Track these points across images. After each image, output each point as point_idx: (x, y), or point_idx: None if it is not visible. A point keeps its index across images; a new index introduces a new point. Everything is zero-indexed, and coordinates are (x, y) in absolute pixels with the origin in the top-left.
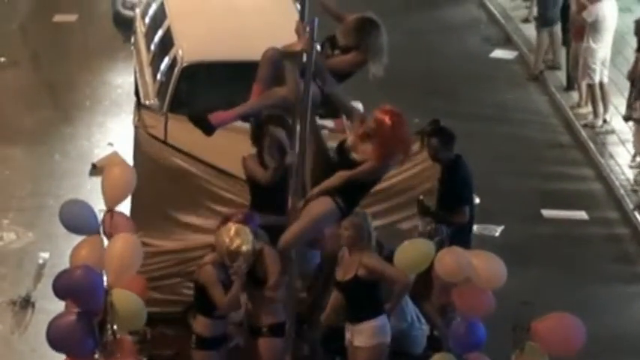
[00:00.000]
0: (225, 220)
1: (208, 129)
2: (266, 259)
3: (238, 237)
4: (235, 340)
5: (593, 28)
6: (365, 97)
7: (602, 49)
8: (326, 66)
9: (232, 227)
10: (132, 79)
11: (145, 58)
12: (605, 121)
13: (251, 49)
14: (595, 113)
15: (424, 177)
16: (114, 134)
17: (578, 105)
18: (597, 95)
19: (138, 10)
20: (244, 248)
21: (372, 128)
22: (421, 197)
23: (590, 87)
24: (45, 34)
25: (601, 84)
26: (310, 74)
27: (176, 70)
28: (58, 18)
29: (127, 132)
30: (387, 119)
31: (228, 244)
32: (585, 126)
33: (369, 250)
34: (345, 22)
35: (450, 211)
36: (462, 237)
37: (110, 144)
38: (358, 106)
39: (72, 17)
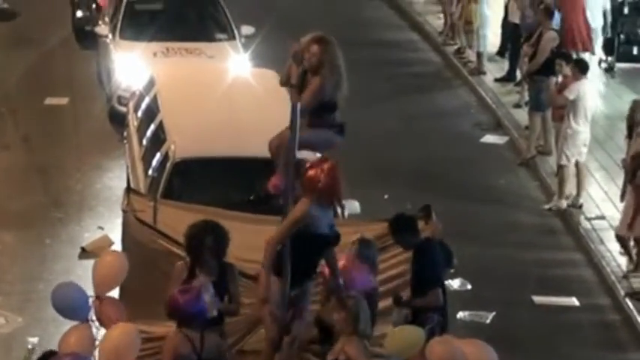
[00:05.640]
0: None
1: None
2: None
3: None
4: None
5: (575, 107)
6: (358, 183)
7: (585, 129)
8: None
9: None
10: (123, 163)
11: (137, 152)
12: (580, 206)
13: (244, 145)
14: (559, 194)
15: (405, 267)
16: (104, 218)
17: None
18: (565, 177)
19: (130, 104)
20: None
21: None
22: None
23: (562, 168)
24: (36, 117)
25: (577, 164)
26: (293, 156)
27: (168, 166)
28: (50, 101)
29: (117, 216)
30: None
31: None
32: (550, 209)
33: (357, 339)
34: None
35: (423, 296)
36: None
37: (100, 228)
38: (355, 204)
39: (63, 100)
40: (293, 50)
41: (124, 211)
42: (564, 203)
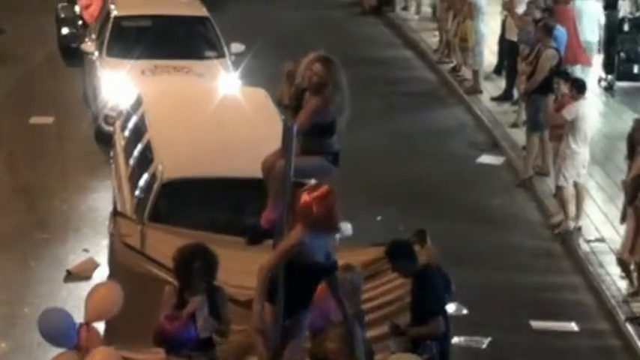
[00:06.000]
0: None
1: None
2: None
3: None
4: None
5: (574, 127)
6: (349, 204)
7: (584, 150)
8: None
9: None
10: (109, 184)
11: (124, 172)
12: (579, 228)
13: (234, 166)
14: (565, 215)
15: (402, 293)
16: (90, 240)
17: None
18: (566, 198)
19: (117, 123)
20: None
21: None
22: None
23: (560, 189)
24: (21, 136)
25: (576, 185)
26: (289, 181)
27: (155, 187)
28: (35, 120)
29: (103, 237)
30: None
31: None
32: (559, 234)
33: None
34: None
35: (423, 324)
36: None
37: (85, 250)
38: (346, 226)
39: (49, 119)
40: (286, 69)
41: (111, 235)
42: (572, 225)
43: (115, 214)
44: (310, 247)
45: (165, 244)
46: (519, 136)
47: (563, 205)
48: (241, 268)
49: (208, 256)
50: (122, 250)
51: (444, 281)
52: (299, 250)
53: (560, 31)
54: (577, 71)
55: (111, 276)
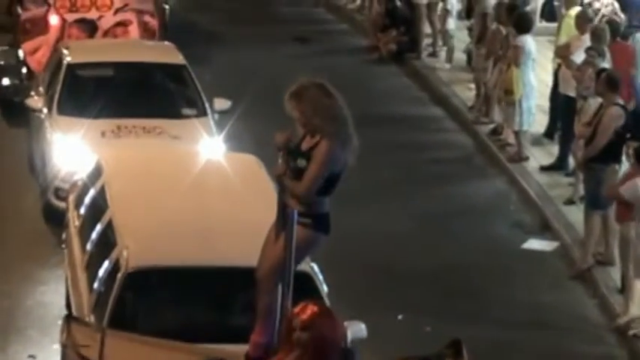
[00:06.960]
0: None
1: None
2: None
3: None
4: None
5: None
6: (364, 298)
7: None
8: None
9: None
10: (61, 274)
11: (79, 260)
12: None
13: (217, 252)
14: None
15: None
16: (37, 344)
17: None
18: None
19: (71, 198)
20: None
21: None
22: None
23: None
24: None
25: None
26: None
27: (119, 278)
28: None
29: (53, 340)
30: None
31: None
32: (635, 336)
33: None
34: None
35: None
36: None
37: (32, 357)
38: (360, 327)
39: None
40: (277, 141)
41: (64, 346)
42: None
43: (69, 319)
44: None
45: (132, 356)
46: (576, 215)
47: None
48: None
49: None
50: None
51: None
52: None
53: None
54: None
55: None
